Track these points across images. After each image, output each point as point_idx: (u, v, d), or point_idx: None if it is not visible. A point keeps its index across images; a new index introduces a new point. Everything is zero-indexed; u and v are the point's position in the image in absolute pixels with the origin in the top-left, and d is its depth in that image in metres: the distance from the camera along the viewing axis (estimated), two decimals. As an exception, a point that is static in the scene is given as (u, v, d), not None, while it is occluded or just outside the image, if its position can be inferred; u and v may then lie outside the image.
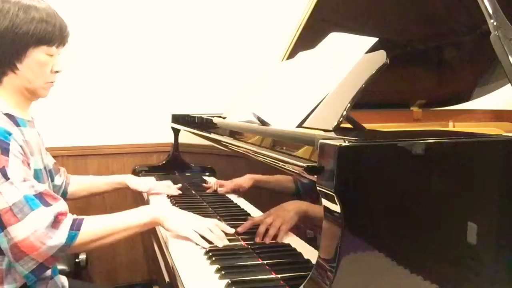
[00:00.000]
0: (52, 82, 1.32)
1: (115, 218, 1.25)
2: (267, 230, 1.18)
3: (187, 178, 2.13)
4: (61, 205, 1.18)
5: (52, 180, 1.51)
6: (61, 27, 1.28)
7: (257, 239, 1.19)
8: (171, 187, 1.84)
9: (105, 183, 1.77)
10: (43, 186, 1.18)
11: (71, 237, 1.14)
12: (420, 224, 0.85)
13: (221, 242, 1.20)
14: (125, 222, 1.24)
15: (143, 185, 1.81)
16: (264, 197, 1.35)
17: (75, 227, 1.16)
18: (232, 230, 1.27)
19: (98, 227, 1.20)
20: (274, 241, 1.15)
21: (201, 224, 1.25)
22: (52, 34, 1.24)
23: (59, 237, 1.13)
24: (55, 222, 1.13)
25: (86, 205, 2.37)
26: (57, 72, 1.31)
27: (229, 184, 1.61)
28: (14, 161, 1.14)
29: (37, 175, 1.25)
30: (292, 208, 1.11)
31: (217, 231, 1.23)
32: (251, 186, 1.39)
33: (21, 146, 1.19)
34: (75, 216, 1.19)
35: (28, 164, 1.20)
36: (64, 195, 1.62)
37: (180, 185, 1.88)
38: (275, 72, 1.60)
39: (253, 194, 1.44)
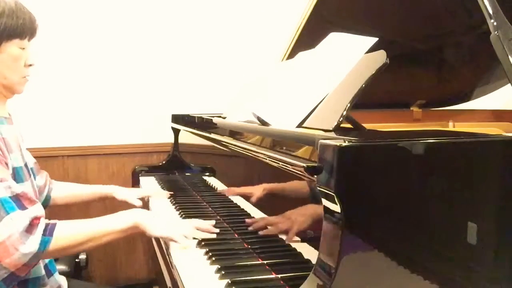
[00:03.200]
0: (27, 77, 1.30)
1: (93, 224, 1.18)
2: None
3: (187, 178, 2.13)
4: (37, 209, 1.13)
5: (34, 179, 1.46)
6: (31, 18, 1.26)
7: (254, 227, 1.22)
8: (161, 194, 1.80)
9: (91, 192, 1.69)
10: (20, 188, 1.14)
11: (44, 243, 1.09)
12: (420, 224, 0.85)
13: (214, 234, 1.24)
14: (104, 228, 1.17)
15: (130, 195, 1.70)
16: (265, 198, 1.35)
17: (48, 232, 1.10)
18: (216, 230, 1.27)
19: (73, 233, 1.14)
20: (273, 239, 1.16)
21: (187, 227, 1.23)
22: (23, 26, 1.23)
23: (32, 244, 1.07)
24: (30, 227, 1.08)
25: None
26: (30, 65, 1.29)
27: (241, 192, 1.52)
28: None
29: (17, 173, 1.22)
30: (308, 214, 1.06)
31: (204, 225, 1.26)
32: (264, 195, 1.33)
33: None
34: (47, 221, 1.14)
35: (6, 164, 1.17)
36: (47, 199, 1.57)
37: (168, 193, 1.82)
38: (275, 72, 1.60)
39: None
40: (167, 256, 1.25)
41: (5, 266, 1.06)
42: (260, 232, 1.22)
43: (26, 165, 1.33)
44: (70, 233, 1.14)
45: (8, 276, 1.08)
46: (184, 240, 1.19)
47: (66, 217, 1.23)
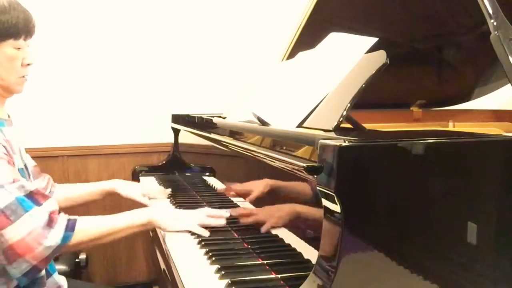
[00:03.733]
0: (25, 76, 1.28)
1: (111, 219, 1.26)
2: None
3: (187, 178, 2.13)
4: (52, 203, 1.17)
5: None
6: (26, 17, 1.23)
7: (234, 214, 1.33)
8: (162, 192, 1.78)
9: (92, 191, 1.67)
10: (33, 185, 1.18)
11: (66, 238, 1.14)
12: (420, 224, 0.85)
13: (224, 219, 1.31)
14: (121, 223, 1.25)
15: (135, 192, 1.68)
16: (265, 198, 1.35)
17: (69, 228, 1.15)
18: (227, 214, 1.33)
19: (93, 228, 1.21)
20: (273, 239, 1.16)
21: (198, 216, 1.30)
22: (16, 26, 1.20)
23: (54, 237, 1.12)
24: (49, 221, 1.13)
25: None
26: (28, 65, 1.27)
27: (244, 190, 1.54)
28: (1, 163, 1.13)
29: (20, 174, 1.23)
30: (285, 209, 1.13)
31: (215, 213, 1.33)
32: (267, 191, 1.36)
33: (4, 147, 1.17)
34: (68, 216, 1.18)
35: (13, 163, 1.19)
36: None
37: (169, 190, 1.82)
38: (275, 72, 1.60)
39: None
40: (167, 256, 1.25)
41: (27, 259, 1.10)
42: (242, 220, 1.31)
43: (25, 166, 1.33)
44: (90, 229, 1.21)
45: (30, 269, 1.11)
46: (201, 229, 1.26)
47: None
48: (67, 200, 1.63)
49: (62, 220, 1.16)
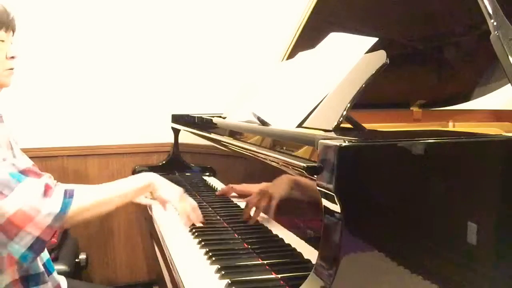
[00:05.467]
0: (12, 69, 1.28)
1: (110, 185, 1.26)
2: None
3: (187, 178, 2.13)
4: (46, 178, 1.16)
5: None
6: (2, 10, 1.23)
7: (244, 217, 1.30)
8: None
9: None
10: (24, 164, 1.16)
11: (65, 205, 1.11)
12: (420, 224, 0.85)
13: (200, 224, 1.35)
14: (120, 188, 1.25)
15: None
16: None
17: (68, 195, 1.13)
18: (201, 224, 1.36)
19: (92, 194, 1.20)
20: (273, 239, 1.16)
21: (189, 202, 1.35)
22: None
23: (53, 205, 1.10)
24: (45, 191, 1.10)
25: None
26: (12, 58, 1.27)
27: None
28: None
29: None
30: (282, 181, 1.12)
31: (198, 213, 1.35)
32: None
33: None
34: (65, 186, 1.17)
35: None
36: None
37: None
38: (275, 72, 1.60)
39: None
40: (167, 256, 1.25)
41: (29, 231, 1.06)
42: (250, 222, 1.28)
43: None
44: (90, 195, 1.19)
45: (34, 241, 1.07)
46: (185, 217, 1.31)
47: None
48: None
49: (59, 188, 1.14)
